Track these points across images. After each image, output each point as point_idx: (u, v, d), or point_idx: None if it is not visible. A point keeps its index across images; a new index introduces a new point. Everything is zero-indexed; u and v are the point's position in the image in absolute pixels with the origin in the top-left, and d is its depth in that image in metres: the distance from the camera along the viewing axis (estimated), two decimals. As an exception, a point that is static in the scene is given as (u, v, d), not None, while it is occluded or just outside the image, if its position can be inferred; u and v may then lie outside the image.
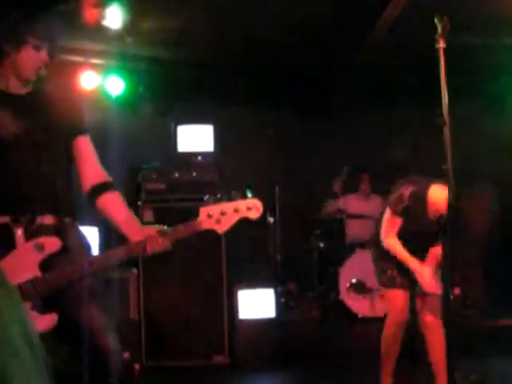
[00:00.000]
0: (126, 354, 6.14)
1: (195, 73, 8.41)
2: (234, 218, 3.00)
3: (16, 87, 3.15)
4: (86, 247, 3.19)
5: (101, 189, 3.18)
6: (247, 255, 7.85)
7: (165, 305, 6.51)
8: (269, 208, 7.94)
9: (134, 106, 8.13)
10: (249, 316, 6.63)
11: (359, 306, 7.50)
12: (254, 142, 8.70)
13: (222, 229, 3.00)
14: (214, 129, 7.23)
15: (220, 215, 2.98)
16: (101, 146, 8.40)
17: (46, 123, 3.10)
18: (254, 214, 3.00)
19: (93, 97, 7.72)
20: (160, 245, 2.98)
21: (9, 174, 3.02)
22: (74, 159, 3.21)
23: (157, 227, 3.03)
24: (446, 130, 3.26)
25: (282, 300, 7.74)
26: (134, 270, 6.57)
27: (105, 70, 7.77)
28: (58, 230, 3.03)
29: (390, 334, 4.71)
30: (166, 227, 3.02)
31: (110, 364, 2.93)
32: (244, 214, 2.99)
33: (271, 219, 7.95)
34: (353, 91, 8.69)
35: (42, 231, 3.00)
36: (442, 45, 3.33)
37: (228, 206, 2.99)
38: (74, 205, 3.21)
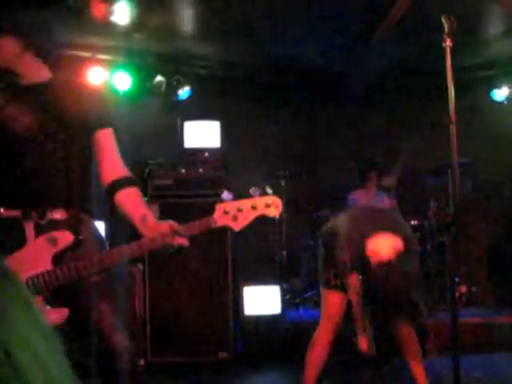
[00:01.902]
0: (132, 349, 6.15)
1: (202, 69, 8.42)
2: (252, 216, 2.89)
3: (29, 78, 3.11)
4: (100, 242, 3.16)
5: (119, 184, 3.13)
6: (252, 251, 7.86)
7: (170, 301, 6.52)
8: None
9: (142, 101, 8.15)
10: (254, 312, 6.64)
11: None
12: (260, 137, 8.70)
13: (238, 226, 2.90)
14: (220, 125, 7.25)
15: (237, 212, 2.89)
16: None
17: (62, 116, 3.04)
18: (273, 212, 2.88)
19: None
20: (173, 242, 2.90)
21: (21, 167, 2.98)
22: (95, 153, 3.16)
23: (170, 223, 2.92)
24: (453, 128, 3.27)
25: (287, 297, 7.75)
26: (140, 266, 6.58)
27: (112, 66, 7.78)
28: (69, 225, 3.00)
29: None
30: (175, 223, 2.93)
31: (118, 361, 2.93)
32: (262, 211, 2.88)
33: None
34: (360, 87, 8.69)
35: (53, 226, 2.97)
36: (448, 43, 3.34)
37: (245, 203, 2.89)
38: (90, 199, 3.18)
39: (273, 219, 7.81)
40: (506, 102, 8.89)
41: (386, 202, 8.29)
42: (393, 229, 4.16)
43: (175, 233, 2.88)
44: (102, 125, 3.16)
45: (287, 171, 7.99)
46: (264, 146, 8.71)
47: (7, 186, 2.99)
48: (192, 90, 8.24)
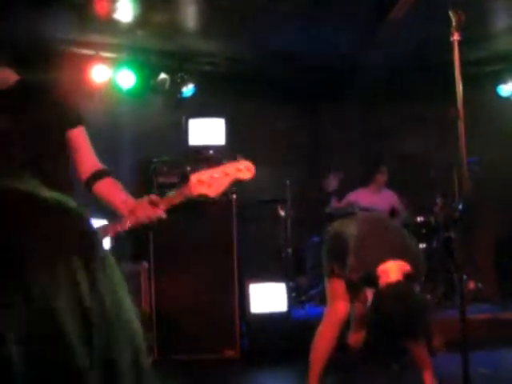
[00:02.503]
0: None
1: (206, 66, 8.39)
2: (226, 181, 2.91)
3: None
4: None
5: (97, 176, 3.19)
6: (258, 249, 7.83)
7: (176, 299, 6.51)
8: (280, 201, 7.92)
9: (145, 99, 8.12)
10: (260, 310, 6.62)
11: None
12: (265, 135, 8.67)
13: (213, 193, 2.92)
14: (225, 122, 7.22)
15: (211, 179, 2.92)
16: (112, 139, 8.44)
17: (36, 116, 3.04)
18: (246, 175, 2.91)
19: (104, 90, 7.71)
20: (152, 213, 2.91)
21: None
22: (71, 151, 3.18)
23: (149, 196, 2.96)
24: (460, 123, 3.24)
25: (293, 294, 7.73)
26: (145, 264, 6.57)
27: (116, 64, 7.75)
28: None
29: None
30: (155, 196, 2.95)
31: None
32: (234, 175, 2.90)
33: (282, 213, 7.93)
34: (365, 85, 8.65)
35: None
36: (456, 37, 3.31)
37: (218, 170, 2.91)
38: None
39: (279, 216, 7.80)
40: (512, 98, 8.85)
41: (391, 200, 8.25)
42: (402, 255, 4.16)
43: (154, 204, 2.91)
44: (74, 124, 3.19)
45: (292, 168, 7.97)
46: (269, 143, 8.68)
47: None
48: (196, 87, 8.21)
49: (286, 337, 6.50)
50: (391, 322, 3.82)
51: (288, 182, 7.81)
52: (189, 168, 6.81)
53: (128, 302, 0.59)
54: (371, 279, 4.10)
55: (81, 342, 0.54)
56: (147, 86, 8.01)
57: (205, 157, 7.00)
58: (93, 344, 0.55)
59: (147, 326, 6.37)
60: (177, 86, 8.10)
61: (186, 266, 6.56)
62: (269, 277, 6.84)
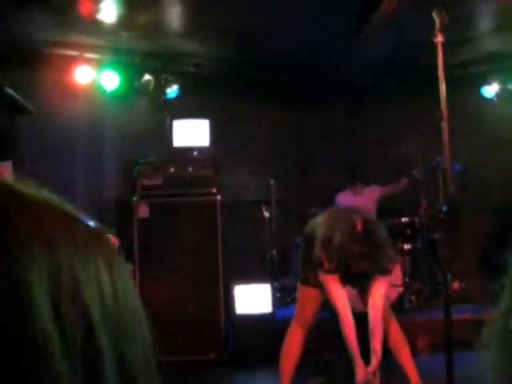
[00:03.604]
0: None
1: (191, 67, 8.37)
2: None
3: None
4: None
5: None
6: (243, 251, 7.83)
7: (161, 300, 6.48)
8: (264, 202, 7.92)
9: (129, 100, 8.09)
10: (245, 311, 6.62)
11: (354, 300, 7.46)
12: (249, 136, 8.66)
13: None
14: (209, 123, 7.22)
15: None
16: (96, 140, 8.43)
17: None
18: None
19: (88, 91, 7.68)
20: None
21: None
22: None
23: None
24: (444, 123, 3.24)
25: (278, 295, 7.72)
26: (130, 266, 6.55)
27: (99, 65, 7.72)
28: None
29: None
30: None
31: None
32: None
33: (267, 214, 7.93)
34: (350, 85, 8.68)
35: None
36: (440, 39, 3.32)
37: None
38: None
39: (263, 217, 7.81)
40: (495, 99, 8.88)
41: (373, 196, 8.26)
42: (364, 218, 4.23)
43: None
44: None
45: (276, 170, 7.97)
46: (253, 145, 8.68)
47: None
48: (180, 88, 8.19)
49: (270, 337, 6.49)
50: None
51: (272, 181, 7.81)
52: (173, 169, 6.80)
53: (138, 301, 0.59)
54: (343, 266, 4.18)
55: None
56: (131, 87, 7.98)
57: (189, 158, 6.99)
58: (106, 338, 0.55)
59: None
60: (161, 87, 8.08)
61: (170, 268, 6.54)
62: (253, 278, 6.84)
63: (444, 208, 3.36)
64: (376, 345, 4.40)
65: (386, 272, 4.37)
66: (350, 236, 4.17)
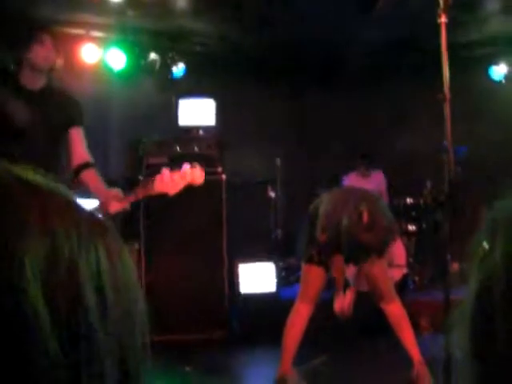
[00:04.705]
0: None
1: (197, 46, 8.36)
2: (182, 184, 3.49)
3: (32, 84, 3.87)
4: None
5: (84, 166, 3.97)
6: (248, 230, 7.85)
7: (166, 280, 6.52)
8: (270, 182, 7.93)
9: (136, 79, 8.09)
10: (249, 290, 6.65)
11: (358, 280, 7.49)
12: (255, 115, 8.66)
13: (171, 192, 3.49)
14: (215, 103, 7.21)
15: (170, 181, 3.47)
16: (102, 119, 8.42)
17: (51, 115, 3.87)
18: (198, 181, 3.52)
19: (94, 70, 7.68)
20: (117, 206, 3.62)
21: (20, 157, 3.29)
22: (68, 145, 4.01)
23: (115, 191, 3.72)
24: (446, 106, 3.24)
25: (283, 274, 7.75)
26: (135, 244, 6.58)
27: (106, 44, 7.71)
28: None
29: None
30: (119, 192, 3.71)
31: None
32: (189, 180, 3.50)
33: (272, 194, 7.94)
34: (354, 66, 8.64)
35: None
36: (443, 19, 3.31)
37: (177, 175, 3.49)
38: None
39: (268, 196, 7.82)
40: (503, 81, 8.83)
41: (380, 182, 8.27)
42: (370, 209, 4.27)
43: (119, 199, 3.64)
44: (75, 124, 4.02)
45: (283, 150, 7.97)
46: (259, 124, 8.67)
47: None
48: (187, 67, 8.18)
49: (274, 317, 6.52)
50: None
51: (278, 161, 7.81)
52: (178, 148, 6.81)
53: (138, 288, 0.61)
54: (339, 237, 4.23)
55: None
56: (138, 66, 7.98)
57: (194, 137, 6.99)
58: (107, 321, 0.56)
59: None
60: (167, 66, 8.08)
61: (175, 247, 6.57)
62: (258, 257, 6.87)
63: (446, 190, 3.37)
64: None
65: (382, 254, 4.51)
66: (357, 227, 4.23)
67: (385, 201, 7.12)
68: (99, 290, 0.64)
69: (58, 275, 0.61)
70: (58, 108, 3.97)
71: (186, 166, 3.53)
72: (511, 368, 0.57)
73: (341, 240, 4.25)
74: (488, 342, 0.59)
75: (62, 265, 0.61)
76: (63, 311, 0.61)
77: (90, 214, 0.69)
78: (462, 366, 0.63)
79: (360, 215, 4.23)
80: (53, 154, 3.92)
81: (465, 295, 0.64)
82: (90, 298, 0.63)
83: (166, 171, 3.53)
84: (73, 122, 4.03)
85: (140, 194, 3.64)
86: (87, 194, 3.89)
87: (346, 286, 4.67)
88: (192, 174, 3.50)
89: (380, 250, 4.43)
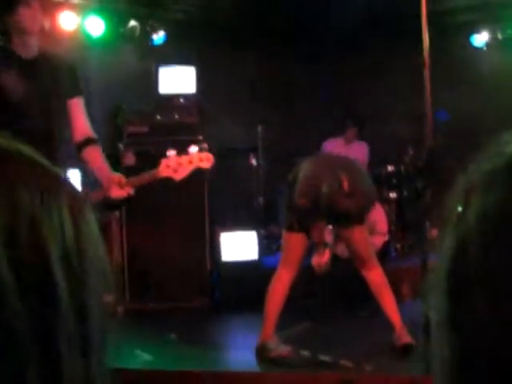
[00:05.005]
0: (109, 297, 6.16)
1: (178, 13, 8.27)
2: (189, 168, 3.51)
3: (24, 51, 3.71)
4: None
5: (85, 143, 3.83)
6: (229, 198, 7.84)
7: (147, 248, 6.51)
8: (252, 149, 7.91)
9: (115, 46, 7.99)
10: (231, 258, 6.66)
11: (340, 247, 7.53)
12: (236, 83, 8.60)
13: (178, 177, 3.53)
14: (196, 70, 7.16)
15: (177, 166, 3.48)
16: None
17: (48, 86, 3.73)
18: (206, 165, 3.55)
19: (72, 38, 7.57)
20: (121, 194, 3.55)
21: (15, 131, 3.22)
22: (68, 117, 3.84)
23: (118, 177, 3.62)
24: (426, 71, 3.23)
25: (265, 242, 7.76)
26: (117, 213, 6.55)
27: (84, 10, 7.60)
28: None
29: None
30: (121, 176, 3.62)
31: None
32: (197, 164, 3.51)
33: (254, 161, 7.93)
34: (337, 33, 8.58)
35: None
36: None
37: (184, 158, 3.49)
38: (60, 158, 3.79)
39: (250, 165, 7.81)
40: (485, 48, 8.81)
41: (363, 152, 8.26)
42: (350, 177, 4.30)
43: (121, 184, 3.54)
44: (73, 94, 3.87)
45: (264, 117, 7.94)
46: (240, 92, 8.62)
47: None
48: (167, 34, 8.10)
49: (256, 285, 6.54)
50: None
51: (259, 129, 7.79)
52: (159, 117, 6.76)
53: (102, 248, 0.61)
54: (318, 202, 4.26)
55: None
56: (117, 33, 7.87)
57: (175, 105, 6.95)
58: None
59: (119, 275, 6.39)
60: (147, 33, 7.98)
61: (157, 215, 6.56)
62: (240, 225, 6.87)
63: (424, 157, 3.38)
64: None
65: (362, 221, 4.55)
66: (337, 194, 4.26)
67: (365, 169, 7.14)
68: (64, 253, 0.64)
69: (21, 236, 0.61)
70: (53, 77, 3.78)
71: (194, 149, 3.51)
72: (488, 334, 0.57)
73: (320, 206, 4.27)
74: (464, 307, 0.59)
75: (24, 225, 0.61)
76: (27, 270, 0.60)
77: (57, 174, 0.69)
78: (437, 331, 0.63)
79: (340, 183, 4.25)
80: (50, 128, 3.75)
81: (440, 259, 0.64)
82: (55, 258, 0.62)
83: (172, 155, 3.47)
84: (70, 91, 3.87)
85: (144, 179, 3.62)
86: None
87: (325, 245, 4.69)
88: (199, 157, 3.46)
89: (360, 216, 4.46)
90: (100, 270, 0.71)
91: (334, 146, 8.23)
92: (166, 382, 2.24)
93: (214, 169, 7.00)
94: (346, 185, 4.25)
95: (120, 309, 6.28)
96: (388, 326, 4.78)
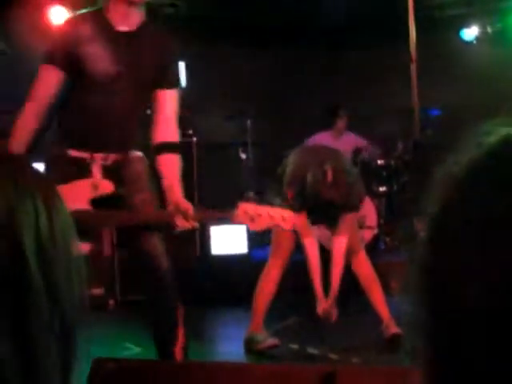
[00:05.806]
0: (100, 290, 6.18)
1: (167, 8, 8.25)
2: (268, 223, 3.12)
3: (125, 23, 3.28)
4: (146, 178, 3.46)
5: (162, 148, 3.38)
6: (219, 192, 7.84)
7: (137, 241, 6.50)
8: (241, 144, 7.91)
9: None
10: (221, 252, 6.67)
11: (327, 239, 7.53)
12: (226, 77, 8.60)
13: (253, 227, 3.16)
14: (185, 65, 7.15)
15: (256, 215, 3.12)
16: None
17: (138, 68, 3.27)
18: (287, 226, 3.13)
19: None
20: (187, 225, 3.26)
21: (92, 112, 3.24)
22: (154, 109, 3.39)
23: (188, 207, 3.25)
24: (413, 67, 3.25)
25: (254, 236, 7.76)
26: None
27: (74, 5, 7.57)
28: (123, 166, 3.33)
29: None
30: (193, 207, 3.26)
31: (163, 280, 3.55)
32: (277, 222, 3.10)
33: (243, 155, 7.93)
34: (327, 25, 8.59)
35: (115, 167, 3.28)
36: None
37: (265, 210, 3.14)
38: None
39: (239, 158, 7.82)
40: (475, 42, 8.83)
41: (353, 142, 8.26)
42: (335, 167, 4.32)
43: (188, 216, 3.22)
44: (168, 85, 3.38)
45: (253, 111, 7.94)
46: (231, 86, 8.62)
47: (77, 128, 3.27)
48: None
49: (246, 278, 6.56)
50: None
51: (249, 123, 7.79)
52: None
53: (75, 239, 0.61)
54: (303, 192, 4.24)
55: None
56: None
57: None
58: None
59: (109, 268, 6.39)
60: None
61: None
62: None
63: (412, 151, 3.40)
64: (334, 279, 4.57)
65: (354, 209, 4.55)
66: (321, 184, 4.28)
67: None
68: (37, 238, 0.65)
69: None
70: (149, 57, 3.31)
71: (278, 209, 3.20)
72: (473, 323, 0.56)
73: (305, 196, 4.31)
74: (444, 300, 0.59)
75: (2, 213, 0.62)
76: (3, 253, 0.62)
77: (32, 168, 0.71)
78: (413, 318, 0.63)
79: (324, 173, 4.27)
80: (134, 114, 3.36)
81: (420, 252, 0.64)
82: (29, 244, 0.64)
83: (251, 205, 3.18)
84: (163, 81, 3.37)
85: (215, 216, 3.43)
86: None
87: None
88: (282, 215, 3.11)
89: (345, 204, 4.45)
90: (72, 256, 0.72)
91: (322, 141, 8.21)
92: (153, 372, 2.25)
93: (203, 162, 7.04)
94: (329, 175, 4.28)
95: (111, 302, 6.29)
96: (377, 320, 4.80)
